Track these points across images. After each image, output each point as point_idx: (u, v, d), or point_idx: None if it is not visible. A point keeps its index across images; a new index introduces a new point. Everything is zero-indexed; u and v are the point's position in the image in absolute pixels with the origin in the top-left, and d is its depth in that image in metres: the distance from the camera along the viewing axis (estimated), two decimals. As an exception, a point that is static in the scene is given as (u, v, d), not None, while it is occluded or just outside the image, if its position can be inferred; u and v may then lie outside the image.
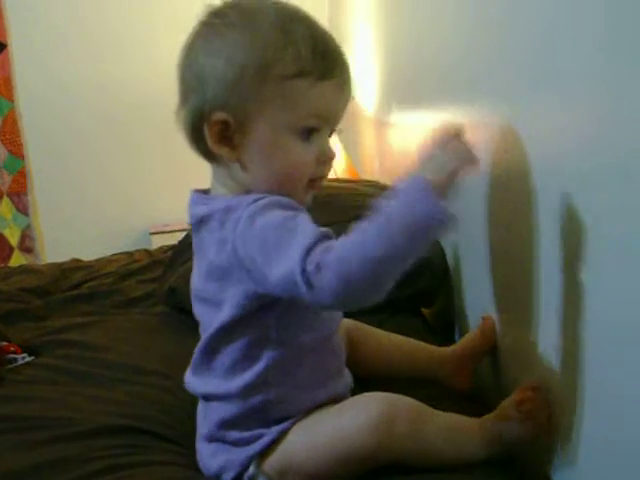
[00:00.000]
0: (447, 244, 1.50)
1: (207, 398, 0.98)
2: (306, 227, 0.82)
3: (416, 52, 1.67)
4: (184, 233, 1.78)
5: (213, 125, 0.88)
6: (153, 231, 3.01)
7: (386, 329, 1.23)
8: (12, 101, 2.90)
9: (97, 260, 2.00)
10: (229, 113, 0.88)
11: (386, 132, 2.11)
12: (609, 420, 0.79)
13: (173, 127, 0.94)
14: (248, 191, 0.91)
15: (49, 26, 2.89)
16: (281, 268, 0.80)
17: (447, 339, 1.44)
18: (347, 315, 1.18)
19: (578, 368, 0.86)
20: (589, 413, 0.84)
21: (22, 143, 2.94)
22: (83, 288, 1.76)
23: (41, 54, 2.90)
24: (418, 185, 0.80)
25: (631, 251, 0.71)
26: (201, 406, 1.00)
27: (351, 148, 2.56)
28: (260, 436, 0.93)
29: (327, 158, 0.93)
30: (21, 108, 2.92)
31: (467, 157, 0.84)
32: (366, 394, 0.93)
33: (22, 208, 3.00)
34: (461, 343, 1.19)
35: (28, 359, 1.37)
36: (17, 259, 2.99)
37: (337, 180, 2.05)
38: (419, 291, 1.46)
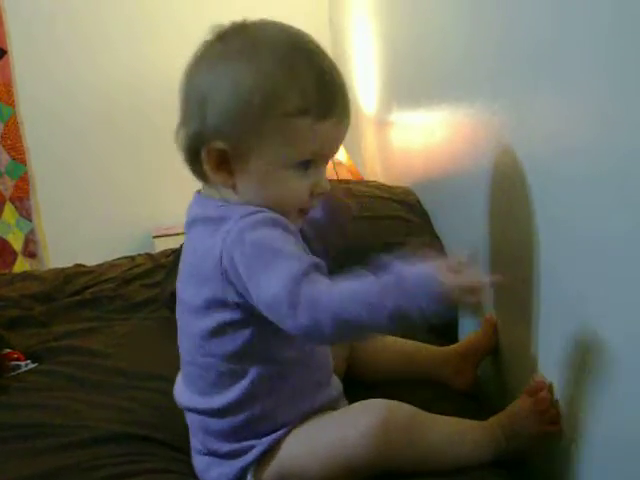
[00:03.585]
0: (449, 244, 1.49)
1: (191, 411, 0.98)
2: (296, 252, 0.83)
3: (416, 51, 1.67)
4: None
5: (211, 152, 0.88)
6: (156, 234, 3.00)
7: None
8: (13, 107, 2.90)
9: (99, 265, 2.00)
10: (228, 143, 0.87)
11: (387, 132, 2.11)
12: (613, 421, 0.79)
13: (175, 130, 0.94)
14: None
15: (49, 32, 2.88)
16: (267, 291, 0.81)
17: (450, 339, 1.44)
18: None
19: (580, 368, 0.85)
20: (592, 414, 0.83)
21: (24, 148, 2.93)
22: (86, 294, 1.76)
23: (41, 60, 2.89)
24: (431, 282, 0.78)
25: (631, 251, 0.71)
26: (188, 419, 1.00)
27: (353, 148, 2.55)
28: (251, 447, 0.92)
29: (321, 191, 0.93)
30: (22, 114, 2.92)
31: (472, 291, 0.80)
32: (365, 402, 0.93)
33: (25, 213, 2.99)
34: (463, 342, 1.19)
35: (31, 366, 1.37)
36: (21, 264, 2.99)
37: (337, 181, 2.04)
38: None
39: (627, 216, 0.71)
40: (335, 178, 2.27)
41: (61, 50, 2.91)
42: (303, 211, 0.94)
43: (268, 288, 0.81)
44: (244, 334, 0.89)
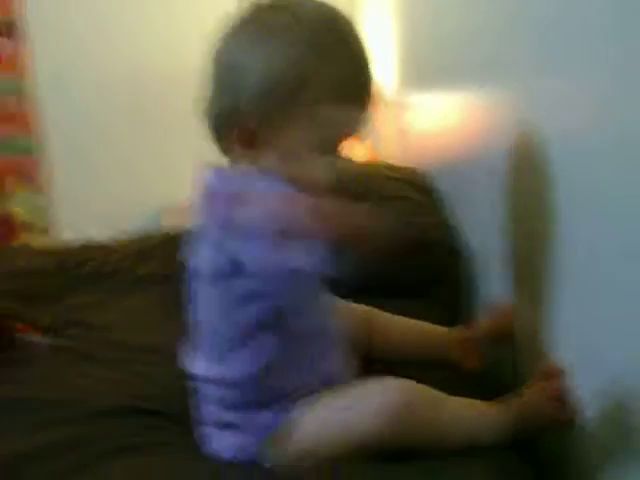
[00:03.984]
0: (458, 225, 1.49)
1: (201, 380, 0.98)
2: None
3: (433, 33, 1.65)
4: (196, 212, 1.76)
5: (241, 131, 0.89)
6: (165, 209, 3.00)
7: (393, 312, 1.23)
8: (26, 81, 2.89)
9: (109, 240, 1.99)
10: (257, 121, 0.88)
11: (405, 113, 2.09)
12: (625, 404, 0.78)
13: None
14: None
15: (61, 9, 2.87)
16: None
17: (456, 322, 1.44)
18: (358, 300, 1.17)
19: (593, 353, 0.85)
20: (604, 398, 0.83)
21: (32, 124, 2.93)
22: (95, 268, 1.76)
23: (53, 38, 2.88)
24: None
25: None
26: (201, 390, 0.99)
27: (371, 130, 2.54)
28: (265, 419, 0.92)
29: (341, 168, 0.94)
30: (32, 87, 2.91)
31: None
32: (381, 381, 0.93)
33: (35, 188, 3.00)
34: (474, 325, 1.18)
35: (41, 340, 1.37)
36: (30, 238, 2.99)
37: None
38: (424, 273, 1.45)
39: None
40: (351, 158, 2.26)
41: (75, 28, 2.90)
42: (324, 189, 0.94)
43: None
44: (255, 305, 0.90)
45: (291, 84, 0.86)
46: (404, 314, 1.21)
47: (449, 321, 1.31)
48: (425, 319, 1.23)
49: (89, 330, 1.37)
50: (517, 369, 1.16)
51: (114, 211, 3.04)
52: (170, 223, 2.46)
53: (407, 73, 2.03)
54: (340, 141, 0.92)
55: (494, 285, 1.24)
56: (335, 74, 0.87)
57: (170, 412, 1.05)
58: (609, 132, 0.77)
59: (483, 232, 1.34)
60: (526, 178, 1.04)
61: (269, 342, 0.91)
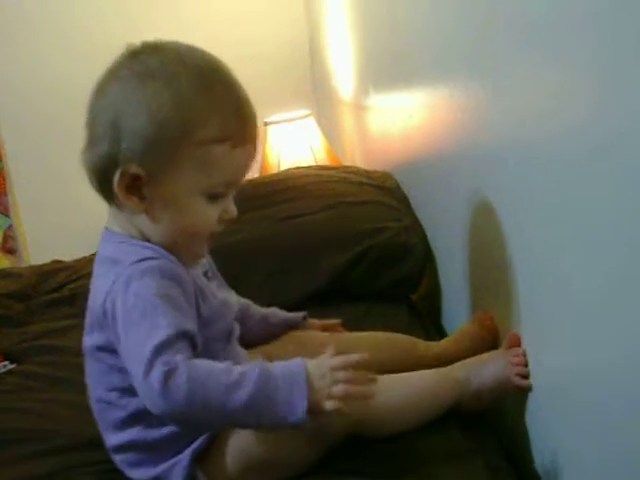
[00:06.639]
0: (429, 227, 1.49)
1: (114, 451, 0.94)
2: (170, 315, 0.82)
3: (393, 34, 1.65)
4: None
5: (124, 177, 0.86)
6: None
7: (371, 317, 1.22)
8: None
9: (77, 260, 1.97)
10: (142, 167, 0.85)
11: (366, 116, 2.08)
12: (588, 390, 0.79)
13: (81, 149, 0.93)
14: (145, 237, 0.90)
15: (21, 19, 2.83)
16: (129, 349, 0.82)
17: (434, 324, 1.44)
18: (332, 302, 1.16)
19: (556, 344, 0.86)
20: (569, 394, 0.83)
21: (-1, 143, 2.89)
22: (64, 290, 1.73)
23: (14, 49, 2.84)
24: (298, 386, 0.79)
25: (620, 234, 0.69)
26: (116, 459, 0.95)
27: (331, 133, 2.53)
28: (177, 462, 0.89)
29: (229, 218, 0.92)
30: (-4, 108, 2.87)
31: (350, 392, 0.80)
32: None
33: (2, 209, 2.95)
34: (465, 347, 1.11)
35: (10, 367, 1.35)
36: (0, 261, 2.95)
37: (308, 168, 2.01)
38: (401, 277, 1.45)
39: (611, 193, 0.69)
40: (314, 164, 2.25)
41: (35, 39, 2.86)
42: (210, 238, 0.93)
43: (131, 347, 0.82)
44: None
45: (177, 126, 0.84)
46: (379, 319, 1.20)
47: (424, 325, 1.31)
48: (400, 323, 1.22)
49: (59, 355, 1.35)
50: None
51: (85, 229, 2.99)
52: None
53: (367, 75, 2.02)
54: (228, 184, 0.90)
55: (466, 286, 1.24)
56: (221, 114, 0.86)
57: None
58: (585, 141, 0.76)
59: (445, 233, 1.34)
60: (489, 178, 1.04)
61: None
